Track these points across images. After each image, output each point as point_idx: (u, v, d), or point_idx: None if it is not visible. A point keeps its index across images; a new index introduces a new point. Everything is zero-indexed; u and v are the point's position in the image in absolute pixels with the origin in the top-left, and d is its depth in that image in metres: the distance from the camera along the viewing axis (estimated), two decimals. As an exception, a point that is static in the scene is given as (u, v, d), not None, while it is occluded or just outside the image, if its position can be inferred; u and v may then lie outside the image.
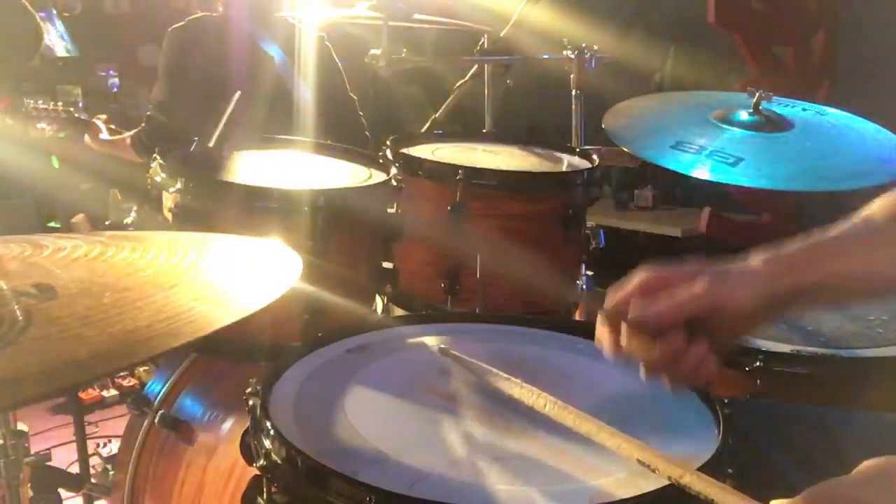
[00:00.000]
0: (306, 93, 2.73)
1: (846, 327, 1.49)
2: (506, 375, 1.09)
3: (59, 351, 0.78)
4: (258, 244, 1.17)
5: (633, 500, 0.87)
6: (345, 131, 2.81)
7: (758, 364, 1.33)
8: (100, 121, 3.05)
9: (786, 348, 1.37)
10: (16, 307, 0.83)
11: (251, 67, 2.69)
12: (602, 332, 1.01)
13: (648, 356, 0.96)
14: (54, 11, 5.37)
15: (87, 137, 3.04)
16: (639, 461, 0.90)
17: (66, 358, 0.76)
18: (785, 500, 0.76)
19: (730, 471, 0.94)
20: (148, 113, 2.82)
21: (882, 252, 0.97)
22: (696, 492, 0.83)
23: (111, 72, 5.50)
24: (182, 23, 2.79)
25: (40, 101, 3.02)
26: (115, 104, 5.41)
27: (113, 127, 3.06)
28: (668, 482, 0.87)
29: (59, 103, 3.06)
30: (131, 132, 2.89)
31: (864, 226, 1.03)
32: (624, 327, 0.97)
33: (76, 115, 3.06)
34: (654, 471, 0.88)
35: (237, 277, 1.00)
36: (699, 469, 0.92)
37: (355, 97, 2.96)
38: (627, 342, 0.97)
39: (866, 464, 0.78)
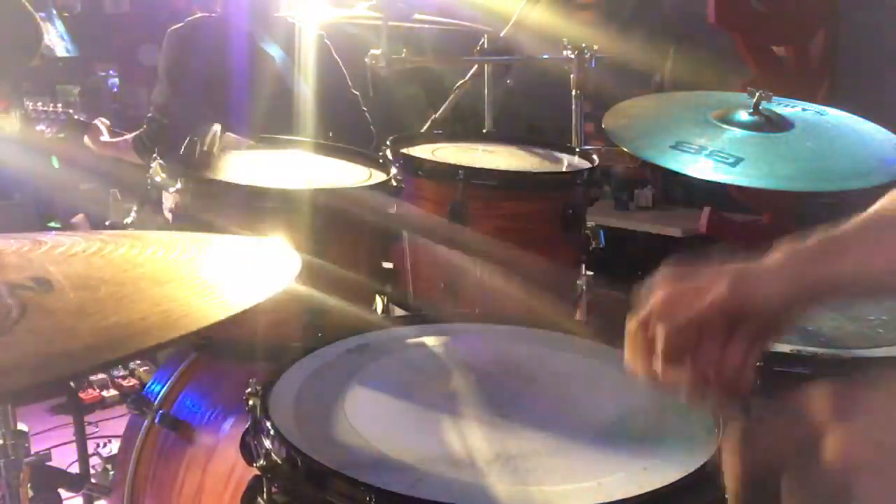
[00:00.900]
0: (307, 91, 2.73)
1: (846, 327, 1.49)
2: None
3: (52, 342, 0.77)
4: (257, 242, 1.17)
5: (633, 499, 0.87)
6: (349, 128, 2.81)
7: (758, 364, 1.33)
8: (102, 123, 3.05)
9: (786, 348, 1.37)
10: (11, 299, 0.83)
11: (251, 68, 2.69)
12: (633, 358, 0.98)
13: (684, 378, 0.92)
14: (54, 11, 5.36)
15: (86, 139, 3.04)
16: None
17: (60, 349, 0.76)
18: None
19: (730, 471, 0.93)
20: (149, 115, 2.82)
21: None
22: None
23: (111, 72, 5.49)
24: (181, 24, 2.79)
25: (39, 103, 3.01)
26: (115, 104, 5.41)
27: (115, 130, 3.06)
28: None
29: (59, 105, 3.06)
30: (132, 134, 2.89)
31: (880, 220, 1.01)
32: (654, 357, 0.94)
33: (75, 116, 3.06)
34: None
35: (234, 274, 1.00)
36: (699, 469, 0.92)
37: (358, 93, 2.96)
38: (662, 369, 0.94)
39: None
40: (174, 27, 2.78)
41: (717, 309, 0.92)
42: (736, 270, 0.94)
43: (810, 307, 0.96)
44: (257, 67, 2.72)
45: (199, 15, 2.87)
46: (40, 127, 2.99)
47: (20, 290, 0.85)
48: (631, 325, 0.97)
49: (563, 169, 2.00)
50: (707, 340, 0.91)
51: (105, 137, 3.00)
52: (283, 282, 0.93)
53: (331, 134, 2.59)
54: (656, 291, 0.96)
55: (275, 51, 2.77)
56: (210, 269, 0.98)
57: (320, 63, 2.78)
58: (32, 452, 1.37)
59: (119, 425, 2.66)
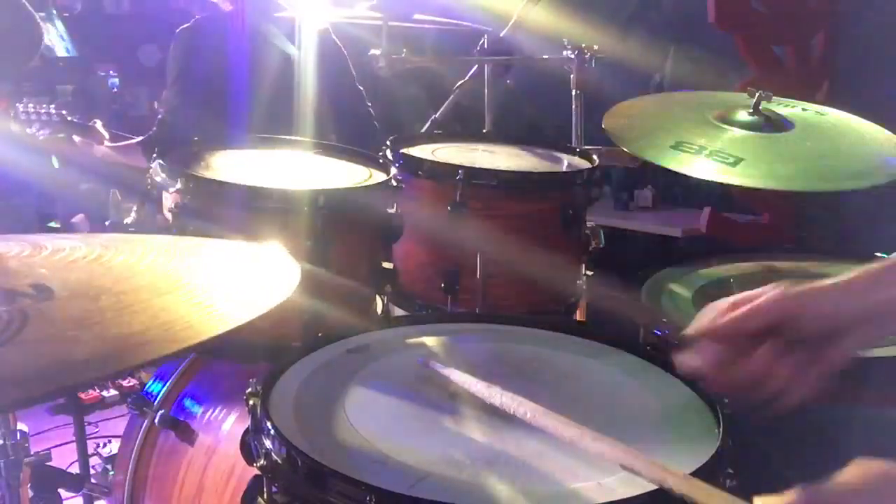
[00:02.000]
0: (314, 87, 2.72)
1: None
2: (486, 384, 1.07)
3: (53, 353, 0.77)
4: (257, 249, 1.17)
5: (633, 499, 0.87)
6: (354, 122, 2.81)
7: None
8: (98, 125, 3.03)
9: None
10: (12, 308, 0.83)
11: (259, 65, 2.69)
12: (685, 359, 1.02)
13: (736, 375, 0.96)
14: (54, 11, 5.37)
15: (76, 138, 3.02)
16: (622, 466, 0.90)
17: (61, 360, 0.76)
18: (773, 498, 0.76)
19: (730, 471, 0.94)
20: (159, 117, 2.81)
21: None
22: (682, 494, 0.83)
23: (111, 72, 5.49)
24: (189, 24, 2.79)
25: (30, 105, 3.01)
26: (114, 104, 5.41)
27: (113, 132, 3.05)
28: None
29: (52, 106, 3.05)
30: (139, 138, 2.88)
31: None
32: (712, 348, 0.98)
33: (69, 117, 3.05)
34: (638, 474, 0.88)
35: (234, 284, 1.00)
36: (699, 469, 0.92)
37: (363, 88, 2.96)
38: (717, 366, 0.98)
39: (857, 465, 0.78)
40: (183, 27, 2.78)
41: (767, 308, 0.95)
42: (794, 289, 0.97)
43: (868, 332, 0.96)
44: (268, 65, 2.71)
45: (204, 14, 2.88)
46: (31, 129, 2.98)
47: (21, 298, 0.85)
48: (690, 330, 1.01)
49: (563, 169, 2.00)
50: (760, 342, 0.95)
51: (108, 142, 2.99)
52: (282, 294, 0.93)
53: (335, 130, 2.59)
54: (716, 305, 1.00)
55: (289, 48, 2.77)
56: (210, 279, 0.98)
57: (327, 58, 2.78)
58: (32, 452, 1.37)
59: (119, 425, 2.67)
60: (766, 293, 0.96)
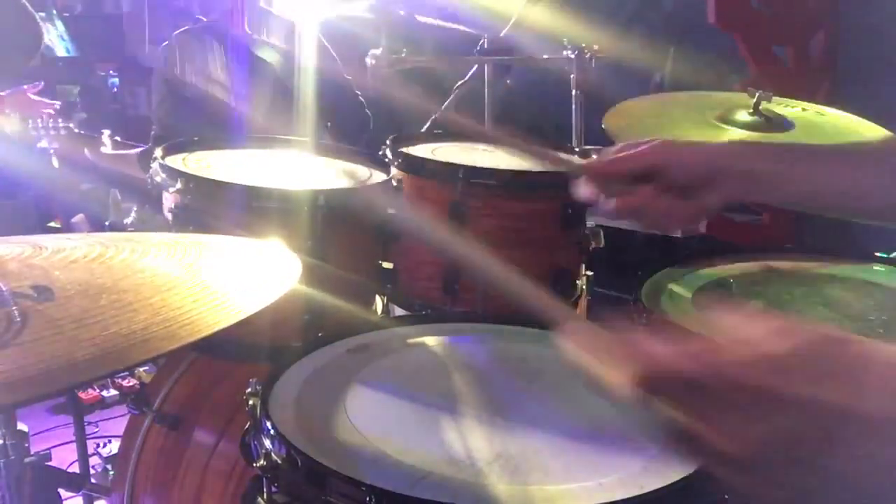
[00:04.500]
0: (306, 87, 2.73)
1: (846, 327, 1.49)
2: None
3: (55, 353, 0.77)
4: (257, 246, 1.17)
5: (634, 499, 0.87)
6: (345, 113, 2.81)
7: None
8: (105, 135, 3.05)
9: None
10: (13, 309, 0.83)
11: (248, 73, 2.70)
12: (579, 189, 1.18)
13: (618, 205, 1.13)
14: (54, 11, 5.37)
15: (86, 151, 3.05)
16: None
17: (62, 360, 0.76)
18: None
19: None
20: (153, 133, 2.82)
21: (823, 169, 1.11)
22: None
23: (111, 72, 5.50)
24: (171, 37, 2.80)
25: (38, 121, 3.03)
26: (115, 104, 5.41)
27: (118, 139, 3.06)
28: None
29: (59, 119, 3.07)
30: (137, 150, 2.89)
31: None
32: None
33: (76, 130, 3.07)
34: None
35: (235, 280, 1.00)
36: (699, 469, 0.92)
37: (351, 77, 2.96)
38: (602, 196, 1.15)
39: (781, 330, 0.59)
40: (166, 43, 2.80)
41: (649, 151, 1.13)
42: (676, 140, 1.22)
43: (734, 190, 1.12)
44: (254, 72, 2.72)
45: (187, 26, 2.88)
46: (41, 143, 3.00)
47: (21, 300, 0.85)
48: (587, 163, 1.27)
49: (563, 169, 2.00)
50: (640, 178, 1.13)
51: (107, 149, 3.00)
52: (283, 287, 0.94)
53: (328, 124, 2.59)
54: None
55: (271, 55, 2.77)
56: (210, 275, 0.98)
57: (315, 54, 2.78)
58: (32, 452, 1.37)
59: (119, 425, 2.67)
60: (650, 141, 1.13)
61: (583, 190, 1.18)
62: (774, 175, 1.10)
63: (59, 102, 3.31)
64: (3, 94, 3.04)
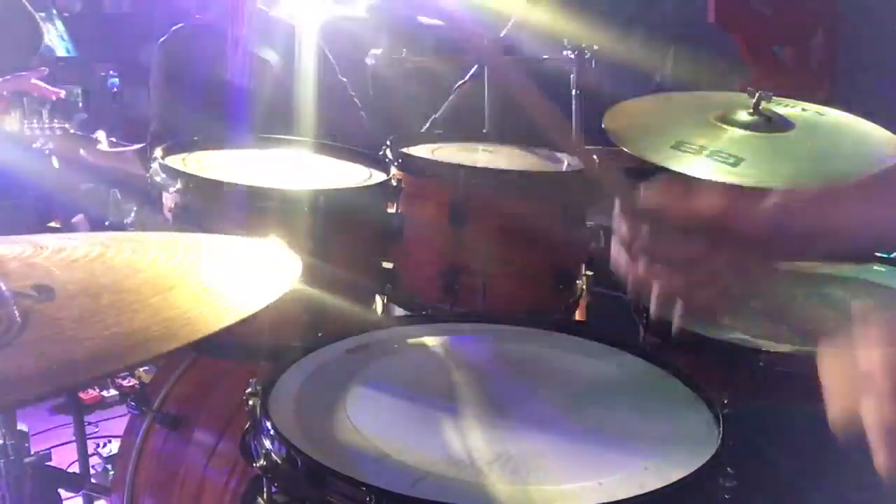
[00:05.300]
0: (304, 88, 2.73)
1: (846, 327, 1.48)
2: None
3: (55, 352, 0.77)
4: (258, 245, 1.17)
5: (634, 499, 0.87)
6: (339, 114, 2.81)
7: (758, 364, 1.33)
8: (100, 135, 3.05)
9: (786, 348, 1.37)
10: (14, 309, 0.83)
11: (246, 72, 2.70)
12: (617, 253, 1.03)
13: (669, 258, 0.97)
14: (54, 11, 5.37)
15: (82, 151, 3.04)
16: None
17: (63, 359, 0.76)
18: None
19: (730, 471, 0.94)
20: (151, 129, 2.82)
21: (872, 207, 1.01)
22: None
23: (111, 72, 5.49)
24: (167, 35, 2.80)
25: (35, 121, 3.03)
26: (115, 104, 5.41)
27: (114, 140, 3.06)
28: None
29: (55, 120, 3.07)
30: (135, 147, 2.89)
31: (877, 183, 1.08)
32: (645, 228, 0.98)
33: (71, 130, 3.07)
34: None
35: (235, 279, 1.00)
36: (699, 469, 0.92)
37: (346, 80, 2.95)
38: (639, 267, 0.98)
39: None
40: (162, 39, 2.79)
41: (701, 216, 0.97)
42: (730, 189, 0.99)
43: (791, 244, 1.00)
44: (253, 71, 2.71)
45: (184, 24, 2.88)
46: (37, 144, 3.00)
47: (22, 299, 0.85)
48: (620, 219, 1.02)
49: (563, 169, 2.00)
50: (687, 246, 0.97)
51: (103, 146, 3.00)
52: (283, 287, 0.93)
53: (320, 124, 2.59)
54: (652, 193, 1.00)
55: (269, 54, 2.77)
56: (210, 275, 0.98)
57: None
58: (32, 452, 1.37)
59: (119, 425, 2.66)
60: (704, 196, 0.98)
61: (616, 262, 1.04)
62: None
63: (63, 91, 3.30)
64: (6, 78, 3.03)
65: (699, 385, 1.13)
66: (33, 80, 3.13)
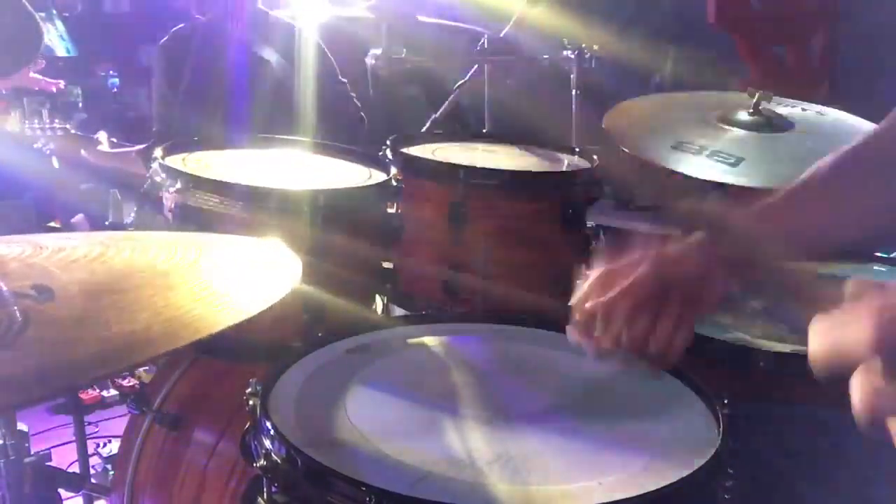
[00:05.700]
0: (305, 88, 2.73)
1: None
2: None
3: (56, 353, 0.77)
4: (258, 245, 1.17)
5: (634, 499, 0.87)
6: (338, 114, 2.81)
7: (758, 364, 1.33)
8: (101, 136, 3.06)
9: (786, 348, 1.37)
10: (14, 309, 0.82)
11: (247, 72, 2.70)
12: (574, 334, 1.09)
13: (620, 342, 1.03)
14: (54, 11, 5.37)
15: (83, 152, 3.05)
16: None
17: (64, 360, 0.76)
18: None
19: (730, 471, 0.94)
20: (154, 129, 2.83)
21: (808, 213, 1.05)
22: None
23: (111, 72, 5.50)
24: (167, 36, 2.80)
25: (35, 121, 3.04)
26: (115, 104, 5.41)
27: (115, 140, 3.06)
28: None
29: (56, 120, 3.07)
30: (137, 147, 2.89)
31: (803, 190, 1.10)
32: (597, 324, 1.05)
33: (72, 130, 3.08)
34: None
35: (236, 279, 1.00)
36: (699, 469, 0.92)
37: (346, 81, 2.95)
38: (600, 335, 1.05)
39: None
40: (162, 41, 2.80)
41: (641, 284, 1.01)
42: (658, 251, 1.04)
43: (732, 279, 1.02)
44: (253, 71, 2.72)
45: (180, 25, 2.88)
46: (37, 144, 3.01)
47: (22, 300, 0.85)
48: (573, 303, 1.09)
49: (563, 169, 2.00)
50: (637, 313, 1.01)
51: (104, 147, 3.01)
52: (285, 287, 0.93)
53: (320, 126, 2.59)
54: (592, 276, 1.08)
55: (270, 54, 2.77)
56: (211, 275, 0.97)
57: (308, 57, 2.78)
58: (32, 452, 1.37)
59: (119, 425, 2.66)
60: (638, 266, 1.02)
61: (575, 336, 1.08)
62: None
63: (62, 81, 3.30)
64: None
65: (699, 385, 1.13)
66: (31, 74, 3.13)
